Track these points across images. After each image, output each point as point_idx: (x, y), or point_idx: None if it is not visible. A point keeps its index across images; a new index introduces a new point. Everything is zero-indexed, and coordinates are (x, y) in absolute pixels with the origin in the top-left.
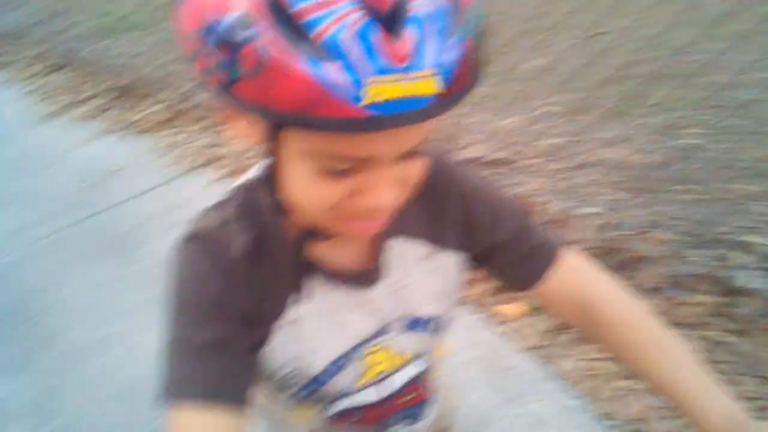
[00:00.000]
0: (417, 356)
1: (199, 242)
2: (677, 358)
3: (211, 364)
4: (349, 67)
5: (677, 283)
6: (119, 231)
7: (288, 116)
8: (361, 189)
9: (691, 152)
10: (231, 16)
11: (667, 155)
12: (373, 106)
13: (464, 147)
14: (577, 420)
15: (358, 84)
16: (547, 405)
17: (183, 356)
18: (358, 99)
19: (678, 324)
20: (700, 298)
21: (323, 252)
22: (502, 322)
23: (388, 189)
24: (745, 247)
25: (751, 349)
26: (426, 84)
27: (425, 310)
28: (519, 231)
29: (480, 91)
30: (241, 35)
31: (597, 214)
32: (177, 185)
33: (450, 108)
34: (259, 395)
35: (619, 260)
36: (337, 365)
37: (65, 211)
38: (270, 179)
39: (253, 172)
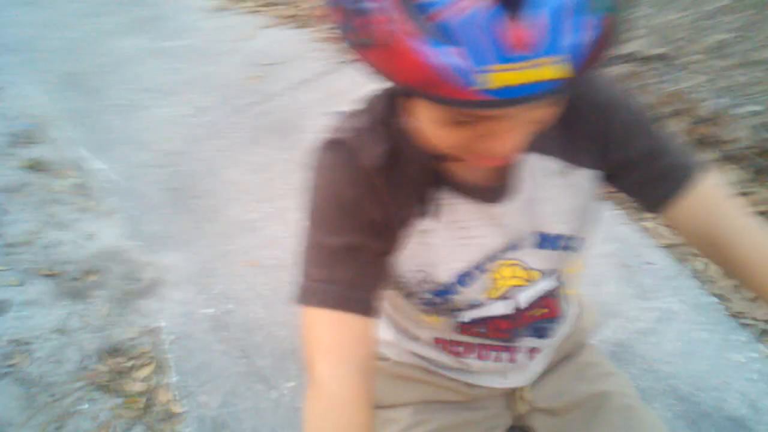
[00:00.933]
0: (548, 273)
1: (337, 149)
2: None
3: (341, 270)
4: (470, 54)
5: None
6: (282, 117)
7: (407, 89)
8: (486, 134)
9: None
10: None
11: None
12: (491, 91)
13: (623, 41)
14: (706, 317)
15: (477, 70)
16: (678, 301)
17: (316, 261)
18: (476, 84)
19: None
20: None
21: (454, 167)
22: (641, 219)
23: (513, 136)
24: None
25: None
26: (552, 70)
27: (556, 227)
28: (653, 149)
29: None
30: (367, 6)
31: (757, 113)
32: (335, 76)
33: (578, 88)
34: (388, 302)
35: None
36: (465, 277)
37: (235, 97)
38: (402, 104)
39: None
